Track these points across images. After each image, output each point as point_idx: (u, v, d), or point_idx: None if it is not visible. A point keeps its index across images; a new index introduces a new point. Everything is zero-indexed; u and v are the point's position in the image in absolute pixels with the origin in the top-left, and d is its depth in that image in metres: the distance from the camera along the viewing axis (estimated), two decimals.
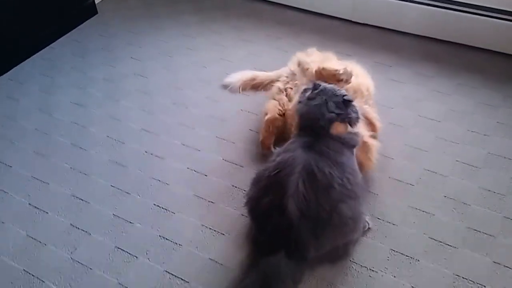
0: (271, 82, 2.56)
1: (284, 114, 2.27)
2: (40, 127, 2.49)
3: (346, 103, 1.78)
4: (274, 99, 2.33)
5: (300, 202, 1.63)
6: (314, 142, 1.78)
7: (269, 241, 1.71)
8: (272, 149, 2.19)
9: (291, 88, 2.32)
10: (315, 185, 1.66)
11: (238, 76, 2.68)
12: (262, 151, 2.26)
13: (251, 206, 1.82)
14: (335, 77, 2.07)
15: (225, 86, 2.70)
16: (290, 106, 2.22)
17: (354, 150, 1.87)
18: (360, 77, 2.23)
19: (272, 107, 2.30)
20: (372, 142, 2.04)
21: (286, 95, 2.32)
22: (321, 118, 1.77)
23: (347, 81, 2.08)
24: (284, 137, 2.13)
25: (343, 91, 1.82)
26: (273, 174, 1.72)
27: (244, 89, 2.67)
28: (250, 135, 2.40)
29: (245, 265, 1.80)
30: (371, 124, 2.12)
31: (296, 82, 2.31)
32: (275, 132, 2.26)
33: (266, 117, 2.27)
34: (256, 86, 2.65)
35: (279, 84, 2.39)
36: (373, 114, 2.16)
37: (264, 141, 2.25)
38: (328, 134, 1.78)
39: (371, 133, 2.09)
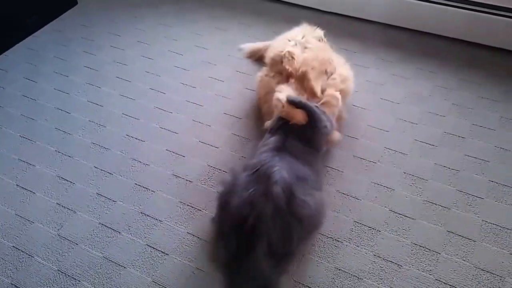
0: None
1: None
2: (25, 112, 2.50)
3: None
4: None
5: (286, 188, 1.64)
6: (284, 143, 1.83)
7: (253, 230, 1.63)
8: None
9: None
10: (295, 178, 1.70)
11: (250, 45, 2.81)
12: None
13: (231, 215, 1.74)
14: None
15: (239, 49, 2.84)
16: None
17: (321, 152, 1.97)
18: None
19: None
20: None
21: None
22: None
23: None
24: None
25: None
26: (253, 172, 1.73)
27: (249, 57, 2.81)
28: (225, 118, 2.42)
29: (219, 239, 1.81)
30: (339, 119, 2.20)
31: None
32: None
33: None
34: (260, 58, 2.69)
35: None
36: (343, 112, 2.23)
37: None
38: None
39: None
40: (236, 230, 1.66)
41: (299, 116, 1.88)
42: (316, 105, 1.97)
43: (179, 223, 1.96)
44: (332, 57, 2.28)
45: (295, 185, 1.67)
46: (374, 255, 1.83)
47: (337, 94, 2.10)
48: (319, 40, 2.35)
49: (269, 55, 2.34)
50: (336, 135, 2.13)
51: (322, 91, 2.11)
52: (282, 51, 2.20)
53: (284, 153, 1.79)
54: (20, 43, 3.04)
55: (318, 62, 2.15)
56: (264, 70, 2.38)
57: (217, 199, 1.80)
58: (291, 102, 1.90)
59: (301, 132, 1.88)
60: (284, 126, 1.91)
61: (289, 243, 1.66)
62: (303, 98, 1.95)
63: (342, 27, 3.09)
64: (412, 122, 2.38)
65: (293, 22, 3.11)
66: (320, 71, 2.13)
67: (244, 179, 1.72)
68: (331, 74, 2.21)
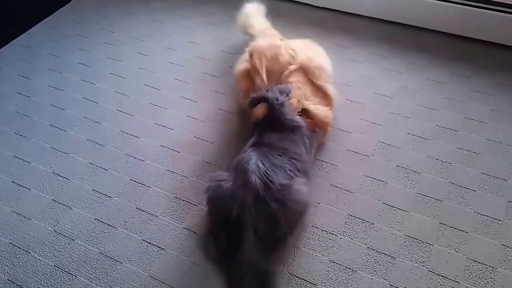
0: None
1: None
2: (20, 109, 2.50)
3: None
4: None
5: (262, 176, 1.67)
6: (260, 139, 1.87)
7: (239, 222, 1.66)
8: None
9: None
10: (271, 166, 1.72)
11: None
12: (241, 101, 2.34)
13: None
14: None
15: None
16: None
17: (300, 133, 1.95)
18: (315, 56, 2.28)
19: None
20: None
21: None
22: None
23: None
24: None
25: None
26: (234, 169, 1.77)
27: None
28: (219, 113, 2.43)
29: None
30: (326, 97, 2.19)
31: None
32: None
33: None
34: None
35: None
36: (329, 89, 2.22)
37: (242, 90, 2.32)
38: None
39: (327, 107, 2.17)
40: (223, 225, 1.69)
41: (260, 110, 1.93)
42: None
43: (175, 218, 1.96)
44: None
45: (271, 172, 1.70)
46: (368, 247, 1.85)
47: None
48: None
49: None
50: (321, 111, 2.12)
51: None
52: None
53: (261, 147, 1.83)
54: (14, 40, 3.03)
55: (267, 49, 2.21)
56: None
57: (206, 201, 1.82)
58: (251, 104, 1.96)
59: (270, 122, 1.91)
60: (257, 124, 1.95)
61: (277, 228, 1.68)
62: (256, 93, 1.99)
63: (335, 22, 3.09)
64: (404, 116, 2.38)
65: (285, 17, 3.13)
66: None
67: (226, 178, 1.75)
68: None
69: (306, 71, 2.16)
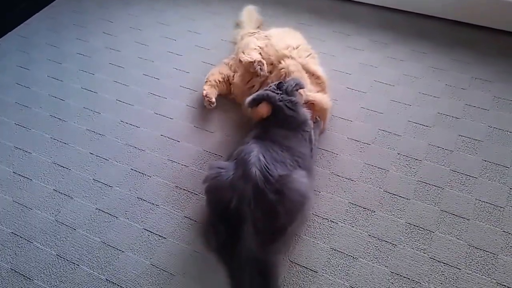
0: None
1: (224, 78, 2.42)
2: (20, 100, 2.52)
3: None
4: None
5: (262, 168, 1.69)
6: (264, 133, 1.89)
7: (237, 213, 1.67)
8: (213, 101, 2.34)
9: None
10: (272, 160, 1.75)
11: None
12: (204, 103, 2.38)
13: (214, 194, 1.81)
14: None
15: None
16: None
17: (306, 128, 1.97)
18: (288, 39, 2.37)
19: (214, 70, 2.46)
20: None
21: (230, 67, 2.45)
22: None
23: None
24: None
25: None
26: (234, 160, 1.79)
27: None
28: (219, 102, 2.42)
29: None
30: (316, 77, 2.23)
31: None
32: (216, 87, 2.40)
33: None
34: None
35: (226, 60, 2.50)
36: (316, 67, 2.27)
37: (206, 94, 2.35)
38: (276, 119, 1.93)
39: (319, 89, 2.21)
40: (222, 215, 1.71)
41: (263, 109, 1.94)
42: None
43: (176, 207, 1.99)
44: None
45: (272, 166, 1.73)
46: (369, 235, 1.87)
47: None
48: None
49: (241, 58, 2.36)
50: (319, 99, 2.14)
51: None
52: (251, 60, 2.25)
53: (263, 140, 1.85)
54: (12, 31, 3.05)
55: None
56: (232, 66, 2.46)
57: (204, 190, 1.83)
58: (251, 103, 1.97)
59: (276, 119, 1.94)
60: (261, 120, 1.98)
61: (276, 220, 1.68)
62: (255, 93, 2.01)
63: (336, 10, 3.10)
64: (406, 104, 2.40)
65: (286, 5, 3.13)
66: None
67: (226, 168, 1.77)
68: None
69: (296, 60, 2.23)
